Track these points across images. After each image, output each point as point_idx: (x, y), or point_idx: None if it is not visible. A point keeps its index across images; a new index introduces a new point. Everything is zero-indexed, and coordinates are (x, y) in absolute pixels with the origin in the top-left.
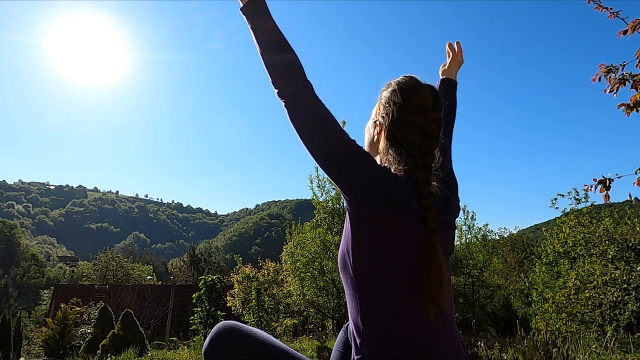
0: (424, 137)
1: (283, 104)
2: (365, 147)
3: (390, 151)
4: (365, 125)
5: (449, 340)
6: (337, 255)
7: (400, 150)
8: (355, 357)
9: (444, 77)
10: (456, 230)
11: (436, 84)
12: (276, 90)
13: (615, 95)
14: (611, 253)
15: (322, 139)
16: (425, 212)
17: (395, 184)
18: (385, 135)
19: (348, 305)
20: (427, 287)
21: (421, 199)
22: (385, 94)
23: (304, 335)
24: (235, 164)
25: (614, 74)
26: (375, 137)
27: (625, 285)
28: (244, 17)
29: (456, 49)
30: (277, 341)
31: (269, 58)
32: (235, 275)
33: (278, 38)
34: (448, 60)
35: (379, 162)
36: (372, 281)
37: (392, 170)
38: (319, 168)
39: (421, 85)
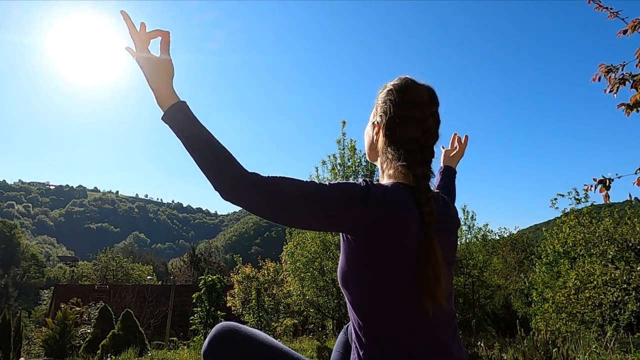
0: (422, 132)
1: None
2: (366, 150)
3: (389, 149)
4: (364, 127)
5: (450, 342)
6: (337, 255)
7: (399, 147)
8: None
9: (447, 164)
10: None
11: (437, 171)
12: (222, 197)
13: (615, 95)
14: (611, 253)
15: (284, 217)
16: (422, 207)
17: (386, 193)
18: (384, 133)
19: (350, 316)
20: (424, 282)
21: (418, 193)
22: (382, 95)
23: (304, 335)
24: None
25: (614, 74)
26: (374, 137)
27: (625, 285)
28: (167, 125)
29: (463, 142)
30: (277, 342)
31: (204, 165)
32: (235, 275)
33: (209, 144)
34: (452, 150)
35: (379, 164)
36: (373, 287)
37: (392, 172)
38: (319, 168)
39: (416, 84)
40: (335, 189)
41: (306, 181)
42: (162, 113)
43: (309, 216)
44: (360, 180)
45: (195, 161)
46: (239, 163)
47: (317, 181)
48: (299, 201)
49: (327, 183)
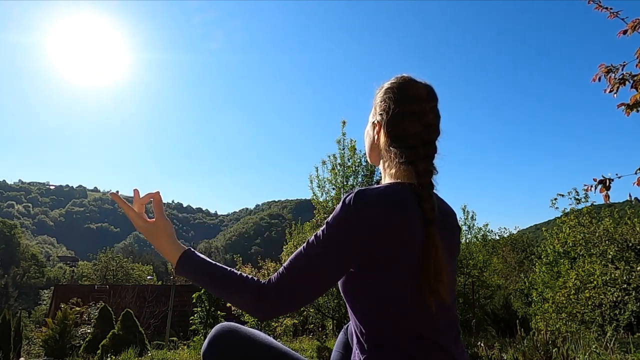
0: (423, 126)
1: None
2: (367, 152)
3: (391, 148)
4: (364, 127)
5: (452, 345)
6: None
7: (401, 143)
8: None
9: None
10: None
11: None
12: (259, 320)
13: (615, 95)
14: (611, 253)
15: (318, 291)
16: (424, 203)
17: (381, 195)
18: (385, 131)
19: (350, 318)
20: (426, 279)
21: (420, 189)
22: (380, 94)
23: (304, 335)
24: (235, 164)
25: (614, 74)
26: (375, 137)
27: (625, 285)
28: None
29: None
30: (277, 342)
31: (226, 299)
32: None
33: (221, 281)
34: None
35: (380, 165)
36: (373, 289)
37: (394, 171)
38: (319, 168)
39: (414, 80)
40: (329, 229)
41: (307, 248)
42: (173, 266)
43: (334, 272)
44: (349, 195)
45: (218, 296)
46: (253, 283)
47: (317, 180)
48: (318, 273)
49: (320, 232)
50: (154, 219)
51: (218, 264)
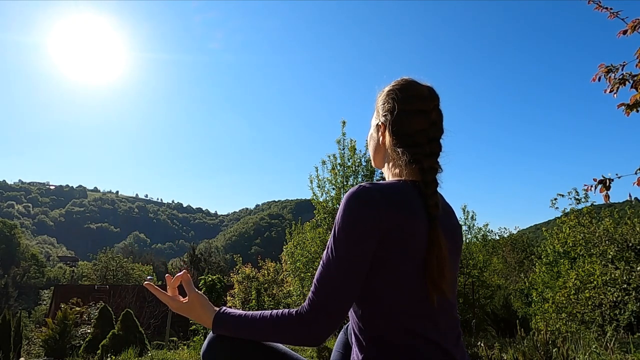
0: (428, 124)
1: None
2: (372, 155)
3: (397, 148)
4: (362, 125)
5: (453, 348)
6: None
7: (406, 142)
8: None
9: None
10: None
11: None
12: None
13: (615, 95)
14: (611, 253)
15: (352, 295)
16: (427, 199)
17: (384, 192)
18: (390, 131)
19: (350, 318)
20: (429, 273)
21: (424, 185)
22: (382, 97)
23: None
24: (235, 164)
25: (613, 74)
26: (380, 138)
27: (625, 285)
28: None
29: None
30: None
31: (272, 341)
32: (235, 275)
33: (260, 328)
34: None
35: (385, 168)
36: (373, 289)
37: (398, 170)
38: (319, 168)
39: (414, 81)
40: (339, 234)
41: (325, 262)
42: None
43: (357, 272)
44: (351, 192)
45: (264, 341)
46: (288, 315)
47: (317, 180)
48: (343, 280)
49: (330, 242)
50: (186, 298)
51: (249, 312)
